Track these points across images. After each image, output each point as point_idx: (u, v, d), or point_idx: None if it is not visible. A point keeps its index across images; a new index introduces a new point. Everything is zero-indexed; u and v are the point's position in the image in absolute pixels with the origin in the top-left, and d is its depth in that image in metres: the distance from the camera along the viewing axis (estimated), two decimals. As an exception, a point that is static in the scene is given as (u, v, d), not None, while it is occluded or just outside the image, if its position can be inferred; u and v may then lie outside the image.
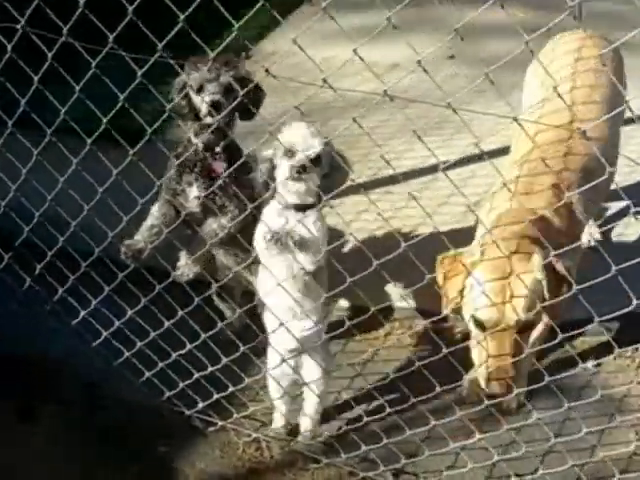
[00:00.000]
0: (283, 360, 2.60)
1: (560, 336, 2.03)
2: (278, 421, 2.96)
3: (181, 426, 2.98)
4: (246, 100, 2.36)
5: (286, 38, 4.62)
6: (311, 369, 2.71)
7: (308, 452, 2.85)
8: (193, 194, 2.76)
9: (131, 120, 2.30)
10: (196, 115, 2.69)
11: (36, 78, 2.34)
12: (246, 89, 2.19)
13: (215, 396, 2.80)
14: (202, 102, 2.61)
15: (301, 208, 2.46)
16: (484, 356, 2.31)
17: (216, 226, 2.72)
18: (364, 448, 2.67)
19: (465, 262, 2.32)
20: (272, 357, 2.72)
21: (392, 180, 3.92)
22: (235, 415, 2.87)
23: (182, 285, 2.62)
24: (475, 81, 1.76)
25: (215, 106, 2.56)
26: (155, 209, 2.80)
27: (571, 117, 2.72)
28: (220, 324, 2.53)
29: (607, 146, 2.82)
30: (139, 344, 2.81)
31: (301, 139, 2.37)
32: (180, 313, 2.57)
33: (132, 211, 2.46)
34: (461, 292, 2.36)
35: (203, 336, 2.58)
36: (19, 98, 2.47)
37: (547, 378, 2.15)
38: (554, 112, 2.80)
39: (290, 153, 2.37)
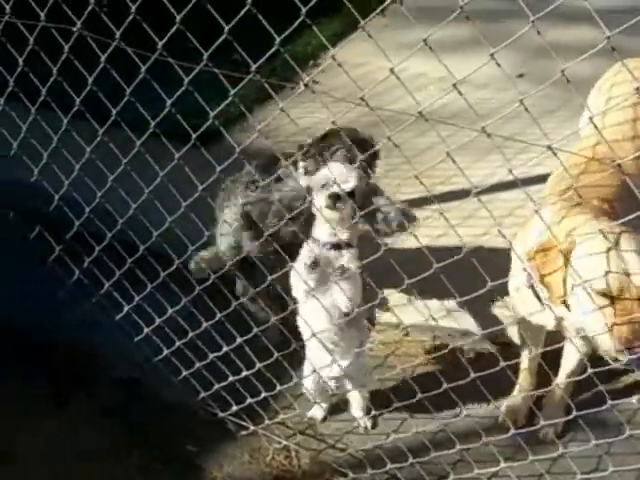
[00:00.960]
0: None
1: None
2: (317, 412, 3.06)
3: (213, 428, 3.01)
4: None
5: (356, 48, 4.63)
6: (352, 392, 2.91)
7: (336, 465, 2.85)
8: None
9: (198, 119, 2.30)
10: None
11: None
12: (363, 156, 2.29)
13: (248, 400, 2.82)
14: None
15: (337, 247, 2.59)
16: (610, 319, 2.15)
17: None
18: (390, 466, 2.65)
19: (561, 247, 2.21)
20: (308, 374, 2.83)
21: (449, 197, 3.91)
22: (267, 421, 2.89)
23: (222, 288, 2.62)
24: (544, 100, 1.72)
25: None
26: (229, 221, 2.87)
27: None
28: (256, 329, 2.54)
29: None
30: (178, 343, 2.84)
31: (338, 174, 2.52)
32: (218, 315, 2.60)
33: (176, 211, 2.49)
34: (564, 282, 2.25)
35: (239, 340, 2.61)
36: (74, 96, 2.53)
37: (574, 412, 2.11)
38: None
39: (327, 186, 2.52)
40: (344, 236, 2.59)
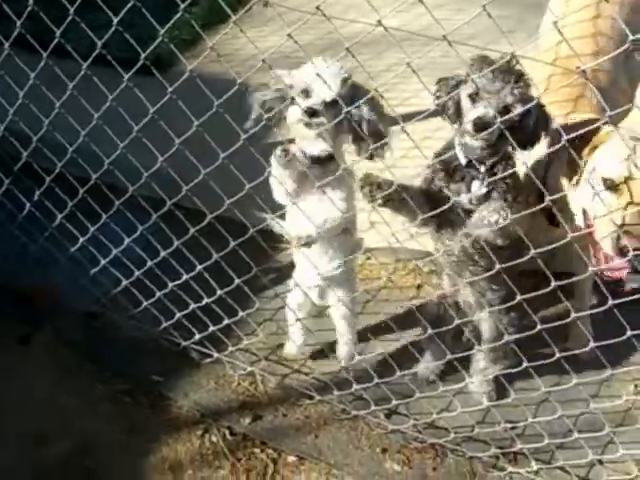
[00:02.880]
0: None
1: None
2: (291, 348, 2.99)
3: (176, 357, 2.99)
4: (527, 128, 2.18)
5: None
6: (338, 304, 2.73)
7: (302, 388, 2.85)
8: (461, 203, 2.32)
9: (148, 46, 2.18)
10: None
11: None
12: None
13: (211, 328, 2.79)
14: (467, 115, 2.19)
15: (319, 160, 2.34)
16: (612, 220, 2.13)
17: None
18: (355, 387, 2.66)
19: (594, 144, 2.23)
20: (294, 290, 2.74)
21: (406, 118, 3.84)
22: (231, 348, 2.87)
23: (179, 216, 2.54)
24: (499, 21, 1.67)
25: (479, 126, 2.12)
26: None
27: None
28: (215, 255, 2.48)
29: None
30: (137, 273, 2.80)
31: (319, 81, 2.16)
32: (176, 243, 2.55)
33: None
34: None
35: (199, 267, 2.56)
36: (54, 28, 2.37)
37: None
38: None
39: (305, 93, 2.22)
40: (325, 149, 2.31)
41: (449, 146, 2.35)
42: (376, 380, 2.60)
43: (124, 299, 2.96)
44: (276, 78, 2.29)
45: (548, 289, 1.95)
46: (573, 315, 2.06)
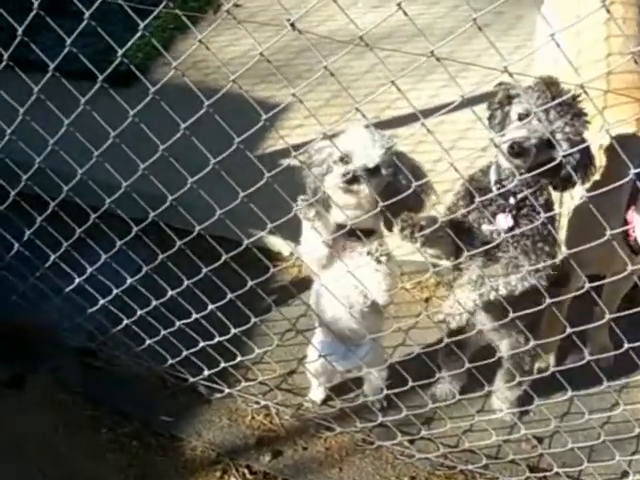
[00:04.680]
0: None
1: None
2: (318, 395, 2.84)
3: (184, 395, 2.86)
4: (570, 164, 2.01)
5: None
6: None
7: (320, 419, 2.74)
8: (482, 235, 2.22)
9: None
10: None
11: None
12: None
13: (222, 365, 2.65)
14: (506, 137, 2.07)
15: (354, 233, 2.16)
16: None
17: (501, 281, 2.16)
18: (382, 419, 2.57)
19: None
20: (313, 356, 2.58)
21: (396, 123, 3.73)
22: (244, 384, 2.74)
23: (187, 254, 2.38)
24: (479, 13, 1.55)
25: (515, 149, 1.99)
26: None
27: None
28: (230, 295, 2.34)
29: None
30: (139, 312, 2.65)
31: (360, 145, 2.09)
32: (186, 283, 2.40)
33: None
34: None
35: (211, 306, 2.41)
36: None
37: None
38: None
39: (345, 159, 2.10)
40: (364, 222, 2.13)
41: (483, 170, 2.23)
42: (405, 412, 2.50)
43: (124, 335, 2.80)
44: (317, 148, 2.16)
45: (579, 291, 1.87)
46: (606, 317, 1.93)
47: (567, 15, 2.85)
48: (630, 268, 1.73)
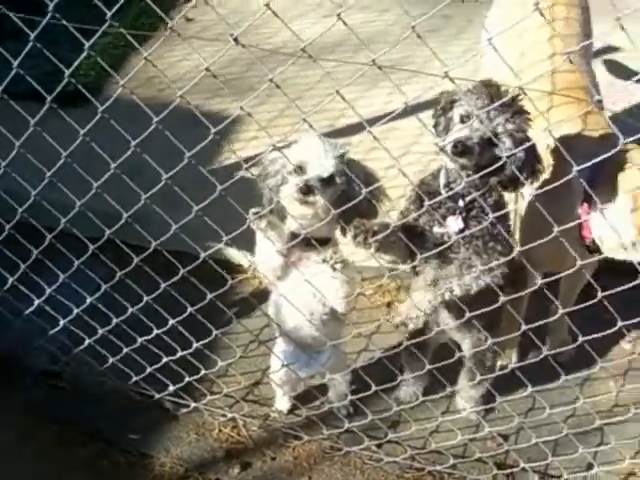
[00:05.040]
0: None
1: None
2: (284, 404, 2.85)
3: (150, 412, 2.84)
4: (515, 162, 2.03)
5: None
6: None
7: (288, 429, 2.75)
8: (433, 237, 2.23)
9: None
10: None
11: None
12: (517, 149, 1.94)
13: (187, 379, 2.65)
14: (449, 137, 2.10)
15: (311, 242, 2.16)
16: None
17: (455, 281, 2.18)
18: (348, 425, 2.58)
19: None
20: (276, 366, 2.58)
21: (349, 131, 3.75)
22: (209, 397, 2.74)
23: (146, 270, 2.38)
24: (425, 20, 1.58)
25: (459, 148, 2.02)
26: None
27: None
28: (190, 309, 2.33)
29: None
30: (101, 331, 2.63)
31: (314, 155, 2.09)
32: (145, 299, 2.39)
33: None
34: None
35: (171, 321, 2.40)
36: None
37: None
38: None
39: (299, 170, 2.10)
40: (320, 231, 2.13)
41: (433, 174, 2.26)
42: (370, 416, 2.52)
43: (87, 355, 2.78)
44: (271, 159, 2.17)
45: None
46: (560, 312, 1.98)
47: (512, 18, 2.90)
48: (579, 263, 1.76)
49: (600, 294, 1.82)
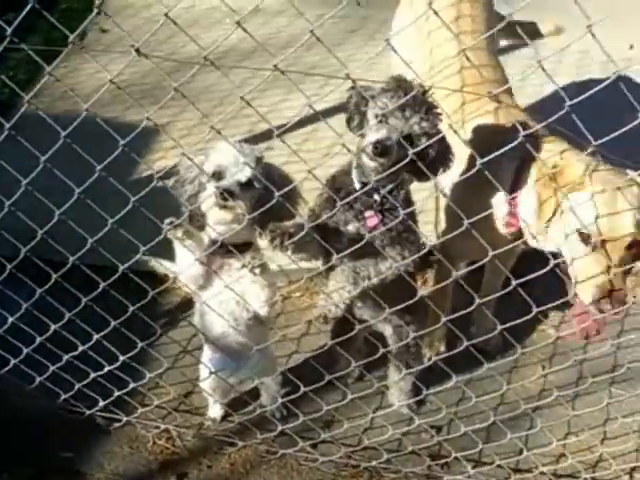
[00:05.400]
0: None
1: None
2: (216, 412, 2.84)
3: (83, 428, 2.79)
4: (430, 154, 2.08)
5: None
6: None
7: (222, 436, 2.74)
8: (348, 233, 2.25)
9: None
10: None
11: None
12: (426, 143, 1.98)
13: (116, 393, 2.62)
14: (367, 138, 2.09)
15: (233, 247, 2.16)
16: (591, 271, 2.10)
17: (372, 270, 2.22)
18: (281, 427, 2.59)
19: (565, 181, 2.15)
20: (205, 375, 2.57)
21: (271, 135, 3.75)
22: (140, 409, 2.71)
23: (65, 285, 2.34)
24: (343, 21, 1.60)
25: (379, 149, 2.03)
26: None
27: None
28: (113, 322, 2.31)
29: None
30: (26, 350, 2.58)
31: (231, 160, 2.09)
32: (67, 315, 2.35)
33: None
34: (555, 211, 2.17)
35: (96, 336, 2.38)
36: None
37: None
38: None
39: (217, 175, 2.10)
40: (240, 236, 2.17)
41: (345, 170, 2.28)
42: (302, 418, 2.53)
43: (14, 375, 2.72)
44: (187, 167, 2.16)
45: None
46: (477, 302, 1.99)
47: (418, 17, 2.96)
48: (491, 253, 1.81)
49: (514, 282, 1.87)
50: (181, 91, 1.67)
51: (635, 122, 1.46)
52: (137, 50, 1.61)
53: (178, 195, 2.20)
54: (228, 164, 2.10)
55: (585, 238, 2.10)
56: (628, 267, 2.07)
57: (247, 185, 2.11)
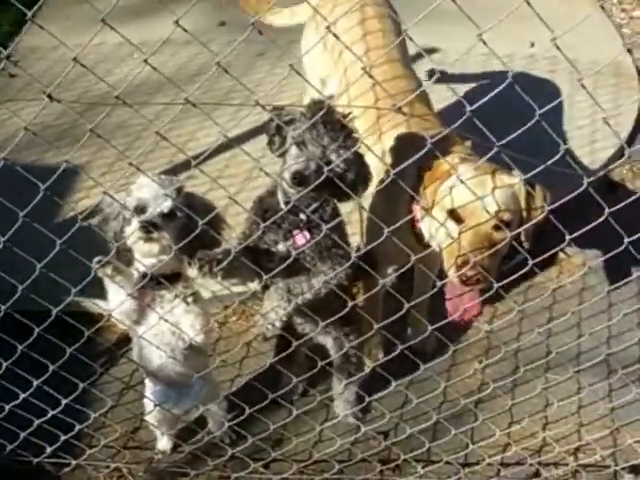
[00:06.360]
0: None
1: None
2: (165, 444, 2.84)
3: (32, 477, 2.75)
4: (349, 180, 2.14)
5: (50, 28, 4.35)
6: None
7: (174, 467, 2.75)
8: (279, 252, 2.29)
9: None
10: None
11: None
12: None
13: (62, 437, 2.59)
14: (287, 167, 2.13)
15: (163, 279, 2.20)
16: (456, 249, 2.18)
17: (305, 285, 2.27)
18: (232, 451, 2.61)
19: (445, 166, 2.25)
20: (149, 409, 2.57)
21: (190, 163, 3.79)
22: (88, 451, 2.69)
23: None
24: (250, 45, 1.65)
25: (298, 180, 2.07)
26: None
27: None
28: (51, 367, 2.29)
29: None
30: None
31: (152, 193, 2.12)
32: (5, 364, 2.33)
33: None
34: (434, 195, 2.27)
35: (36, 382, 2.35)
36: None
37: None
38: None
39: (140, 209, 2.12)
40: (169, 266, 2.21)
41: (270, 191, 2.33)
42: (250, 439, 2.56)
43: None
44: (108, 204, 2.18)
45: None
46: (406, 306, 2.05)
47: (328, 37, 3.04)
48: (413, 258, 1.88)
49: (438, 283, 1.95)
50: (96, 132, 1.68)
51: (532, 122, 1.54)
52: (49, 96, 1.63)
53: (103, 233, 2.22)
54: (149, 197, 2.12)
55: (455, 217, 2.22)
56: (494, 249, 2.15)
57: (170, 216, 2.13)
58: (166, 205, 2.13)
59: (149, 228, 2.09)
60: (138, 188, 2.16)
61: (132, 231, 2.12)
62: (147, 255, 2.16)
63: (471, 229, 2.18)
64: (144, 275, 2.15)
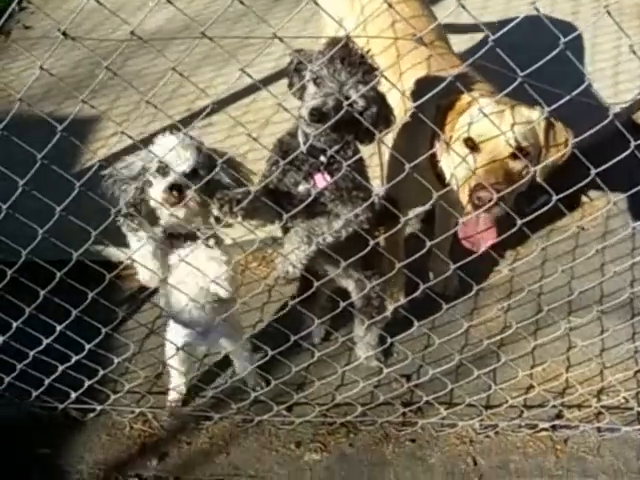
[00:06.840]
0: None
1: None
2: (176, 395, 2.85)
3: (57, 423, 2.79)
4: (369, 118, 2.09)
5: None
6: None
7: (197, 411, 2.77)
8: (299, 194, 2.27)
9: None
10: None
11: None
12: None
13: (87, 383, 2.61)
14: (304, 104, 2.10)
15: (188, 237, 2.23)
16: (473, 180, 2.13)
17: (325, 228, 2.25)
18: (254, 394, 2.63)
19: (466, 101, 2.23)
20: (170, 346, 2.59)
21: (209, 112, 3.76)
22: (113, 396, 2.71)
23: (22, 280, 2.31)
24: None
25: (316, 116, 2.04)
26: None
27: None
28: (74, 312, 2.29)
29: None
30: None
31: (174, 154, 2.09)
32: (28, 310, 2.33)
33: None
34: (453, 130, 2.25)
35: (59, 327, 2.36)
36: None
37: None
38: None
39: (162, 171, 2.12)
40: (195, 221, 2.24)
41: (291, 133, 2.29)
42: (273, 382, 2.57)
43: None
44: (129, 165, 2.17)
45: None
46: (427, 245, 2.02)
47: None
48: (435, 195, 1.85)
49: (461, 221, 1.92)
50: (113, 70, 1.66)
51: (556, 50, 1.49)
52: (64, 33, 1.60)
53: (117, 194, 2.20)
54: (171, 158, 2.11)
55: (470, 145, 2.18)
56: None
57: (193, 174, 2.12)
58: (189, 165, 2.12)
59: (174, 190, 2.09)
60: (158, 149, 2.14)
61: (156, 193, 2.13)
62: (172, 215, 2.16)
63: (487, 156, 2.14)
64: (170, 234, 2.15)
